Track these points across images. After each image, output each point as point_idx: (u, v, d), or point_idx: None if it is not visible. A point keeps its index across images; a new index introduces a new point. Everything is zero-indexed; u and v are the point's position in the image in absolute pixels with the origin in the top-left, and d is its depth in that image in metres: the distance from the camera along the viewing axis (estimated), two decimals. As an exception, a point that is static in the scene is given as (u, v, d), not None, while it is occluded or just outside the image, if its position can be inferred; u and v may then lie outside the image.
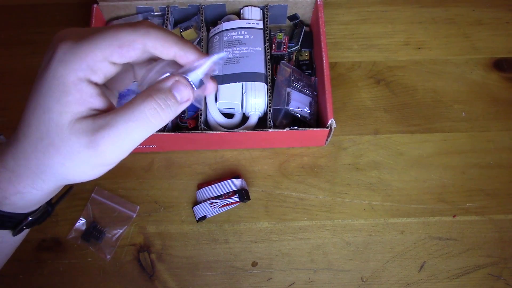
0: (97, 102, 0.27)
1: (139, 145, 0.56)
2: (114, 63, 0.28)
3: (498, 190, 0.56)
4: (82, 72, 0.26)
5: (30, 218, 0.32)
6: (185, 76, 0.28)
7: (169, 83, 0.28)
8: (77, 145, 0.26)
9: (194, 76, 0.29)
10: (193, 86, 0.29)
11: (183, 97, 0.28)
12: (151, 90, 0.27)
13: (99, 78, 0.28)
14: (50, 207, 0.35)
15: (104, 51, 0.27)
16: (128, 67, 0.32)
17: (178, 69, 0.29)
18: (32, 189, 0.29)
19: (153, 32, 0.28)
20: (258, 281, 0.52)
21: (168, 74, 0.28)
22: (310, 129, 0.52)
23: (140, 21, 0.28)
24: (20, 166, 0.28)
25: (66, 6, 0.67)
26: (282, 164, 0.57)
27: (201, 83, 0.29)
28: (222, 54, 0.30)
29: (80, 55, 0.26)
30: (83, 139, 0.26)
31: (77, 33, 0.28)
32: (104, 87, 0.31)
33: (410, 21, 0.66)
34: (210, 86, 0.30)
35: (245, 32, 0.58)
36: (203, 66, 0.29)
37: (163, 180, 0.56)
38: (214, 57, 0.30)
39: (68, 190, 0.42)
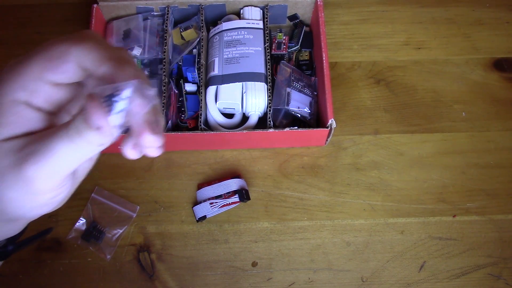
0: (38, 126, 0.24)
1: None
2: (55, 84, 0.24)
3: (498, 190, 0.56)
4: (16, 94, 0.24)
5: None
6: (104, 100, 0.22)
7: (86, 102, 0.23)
8: (4, 164, 0.23)
9: (117, 105, 0.22)
10: (110, 111, 0.22)
11: (92, 124, 0.22)
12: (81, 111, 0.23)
13: (41, 102, 0.24)
14: (11, 246, 0.31)
15: (35, 68, 0.23)
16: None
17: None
18: None
19: (88, 41, 0.23)
20: (258, 281, 0.52)
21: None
22: (310, 129, 0.52)
23: (82, 30, 0.24)
24: None
25: (66, 6, 0.67)
26: (282, 164, 0.57)
27: (118, 109, 0.22)
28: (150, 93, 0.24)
29: (14, 75, 0.24)
30: (10, 158, 0.23)
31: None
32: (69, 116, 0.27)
33: (410, 21, 0.66)
34: (141, 133, 0.24)
35: (245, 32, 0.58)
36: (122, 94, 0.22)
37: (163, 180, 0.56)
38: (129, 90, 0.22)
39: (43, 233, 0.38)
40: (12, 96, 0.24)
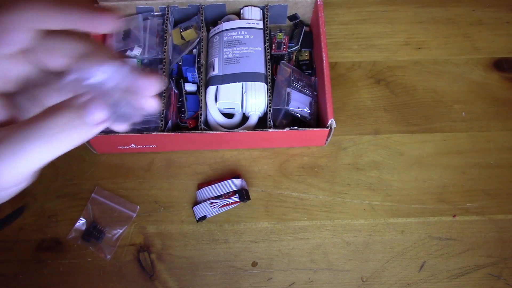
0: None
1: (140, 146, 0.56)
2: (9, 56, 0.23)
3: (498, 190, 0.56)
4: None
5: None
6: (105, 93, 0.22)
7: (83, 99, 0.22)
8: None
9: (113, 97, 0.22)
10: (114, 106, 0.22)
11: (95, 119, 0.22)
12: (61, 105, 0.22)
13: None
14: None
15: None
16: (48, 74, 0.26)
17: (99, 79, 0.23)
18: None
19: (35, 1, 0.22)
20: (258, 281, 0.52)
21: (86, 86, 0.22)
22: (310, 129, 0.52)
23: None
24: None
25: (66, 6, 0.67)
26: (282, 164, 0.57)
27: (121, 107, 0.22)
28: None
29: None
30: None
31: None
32: (27, 101, 0.26)
33: (410, 21, 0.66)
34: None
35: (245, 32, 0.58)
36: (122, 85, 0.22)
37: (163, 180, 0.56)
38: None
39: (14, 213, 0.36)
40: None
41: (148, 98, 0.23)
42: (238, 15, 0.61)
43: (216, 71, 0.56)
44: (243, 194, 0.53)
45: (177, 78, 0.58)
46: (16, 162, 0.21)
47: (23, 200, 0.54)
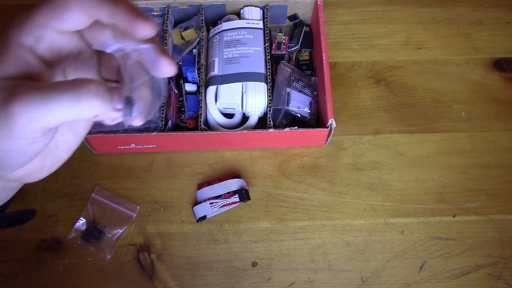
0: (34, 72, 0.26)
1: (140, 146, 0.56)
2: (60, 31, 0.26)
3: (498, 190, 0.56)
4: (23, 38, 0.26)
5: None
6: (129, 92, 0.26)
7: (112, 84, 0.25)
8: None
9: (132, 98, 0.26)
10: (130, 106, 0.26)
11: (113, 101, 0.25)
12: (93, 80, 0.25)
13: (44, 49, 0.26)
14: None
15: (41, 17, 0.25)
16: (88, 51, 0.29)
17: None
18: None
19: None
20: (258, 281, 0.52)
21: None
22: (310, 129, 0.52)
23: None
24: None
25: (66, 6, 0.67)
26: (282, 164, 0.57)
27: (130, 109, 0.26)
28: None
29: (23, 22, 0.26)
30: (2, 95, 0.23)
31: None
32: (61, 75, 0.29)
33: (410, 21, 0.66)
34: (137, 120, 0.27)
35: (245, 32, 0.58)
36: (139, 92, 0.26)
37: (163, 180, 0.56)
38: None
39: (25, 212, 0.38)
40: (19, 39, 0.25)
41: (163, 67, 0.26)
42: (238, 15, 0.61)
43: (216, 71, 0.56)
44: (243, 194, 0.53)
45: (177, 78, 0.58)
46: (37, 107, 0.23)
47: (22, 201, 0.54)
